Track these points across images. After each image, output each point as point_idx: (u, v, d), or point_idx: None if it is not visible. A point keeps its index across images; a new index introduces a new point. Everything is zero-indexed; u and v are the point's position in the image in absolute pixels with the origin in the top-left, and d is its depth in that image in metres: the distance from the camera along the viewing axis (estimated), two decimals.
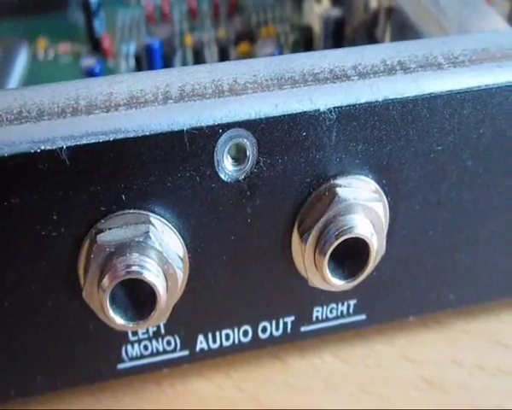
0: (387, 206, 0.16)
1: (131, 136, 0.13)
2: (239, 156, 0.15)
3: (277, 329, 0.18)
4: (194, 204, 0.15)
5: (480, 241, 0.18)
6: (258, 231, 0.16)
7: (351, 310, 0.19)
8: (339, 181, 0.15)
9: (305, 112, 0.14)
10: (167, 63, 0.28)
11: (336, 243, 0.15)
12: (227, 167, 0.15)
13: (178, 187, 0.14)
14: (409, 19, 0.22)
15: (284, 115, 0.14)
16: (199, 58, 0.28)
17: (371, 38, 0.25)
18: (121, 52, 0.31)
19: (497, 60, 0.15)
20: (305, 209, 0.16)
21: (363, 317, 0.19)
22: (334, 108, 0.14)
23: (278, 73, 0.15)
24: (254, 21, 0.33)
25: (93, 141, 0.13)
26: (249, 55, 0.30)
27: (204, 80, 0.15)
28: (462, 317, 0.21)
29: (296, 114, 0.14)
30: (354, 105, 0.14)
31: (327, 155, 0.15)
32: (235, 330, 0.18)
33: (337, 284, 0.16)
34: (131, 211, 0.14)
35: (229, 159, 0.15)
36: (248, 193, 0.15)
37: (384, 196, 0.16)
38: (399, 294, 0.19)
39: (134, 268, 0.14)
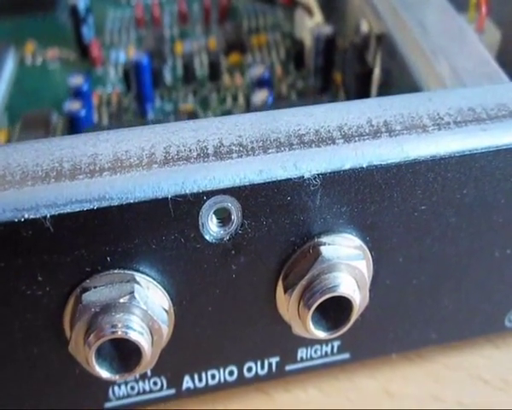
0: (371, 260, 0.17)
1: (115, 203, 0.13)
2: (224, 216, 0.15)
3: (262, 368, 0.19)
4: (179, 263, 0.15)
5: (462, 286, 0.19)
6: (243, 284, 0.16)
7: (335, 350, 0.19)
8: (323, 239, 0.16)
9: (289, 179, 0.14)
10: (156, 78, 0.27)
11: (320, 301, 0.15)
12: (212, 229, 0.15)
13: (163, 248, 0.15)
14: (398, 48, 0.22)
15: (268, 182, 0.14)
16: (189, 72, 0.28)
17: (362, 61, 0.25)
18: (110, 59, 0.30)
19: (482, 122, 0.15)
20: (289, 264, 0.16)
21: (346, 356, 0.19)
22: (318, 174, 0.14)
23: (264, 134, 0.15)
24: (245, 27, 0.33)
25: (77, 209, 0.13)
26: (240, 65, 0.30)
27: (189, 141, 0.15)
28: (443, 351, 0.21)
29: (280, 181, 0.14)
30: (338, 171, 0.14)
31: (311, 217, 0.15)
32: (221, 369, 0.18)
33: (320, 335, 0.16)
34: (116, 271, 0.15)
35: (214, 220, 0.15)
36: (233, 252, 0.15)
37: (368, 252, 0.16)
38: (382, 334, 0.19)
39: (119, 328, 0.14)
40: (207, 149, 0.14)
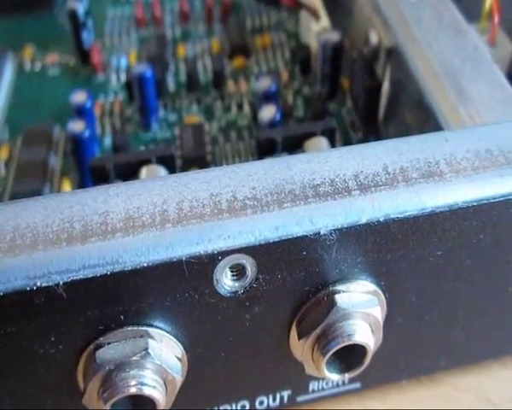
0: (385, 302, 0.16)
1: (129, 268, 0.13)
2: (238, 269, 0.15)
3: (274, 401, 0.19)
4: (193, 316, 0.15)
5: (474, 318, 0.19)
6: (257, 330, 0.16)
7: (346, 381, 0.19)
8: (337, 287, 0.15)
9: (305, 235, 0.14)
10: (159, 88, 0.27)
11: (335, 350, 0.15)
12: (226, 284, 0.14)
13: (177, 304, 0.14)
14: (408, 64, 0.22)
15: (284, 239, 0.14)
16: (192, 80, 0.27)
17: (371, 73, 0.24)
18: (111, 65, 0.30)
19: (500, 167, 0.15)
20: (303, 311, 0.16)
21: (357, 385, 0.19)
22: (334, 230, 0.14)
23: (278, 185, 0.14)
24: (249, 26, 0.32)
25: (90, 275, 0.13)
26: (244, 69, 0.29)
27: (202, 194, 0.14)
28: (453, 373, 0.21)
29: (296, 238, 0.14)
30: (355, 226, 0.14)
31: (326, 268, 0.15)
32: (233, 404, 0.18)
33: (334, 378, 0.16)
34: (130, 328, 0.14)
35: (229, 275, 0.14)
36: (247, 303, 0.15)
37: (382, 294, 0.16)
38: (393, 364, 0.19)
39: (134, 385, 0.14)
40: (221, 204, 0.14)
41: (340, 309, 0.15)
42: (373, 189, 0.15)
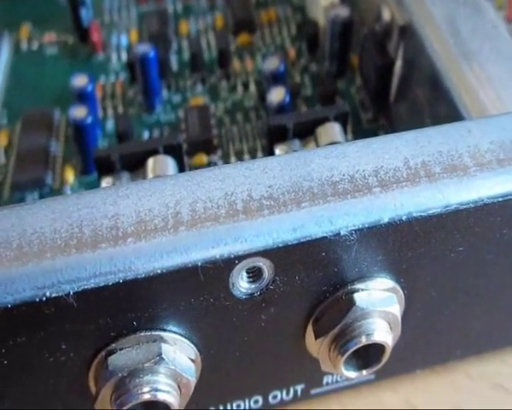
0: (403, 297, 0.16)
1: (142, 275, 0.13)
2: (254, 270, 0.14)
3: (288, 394, 0.18)
4: (208, 319, 0.14)
5: (492, 309, 0.18)
6: (272, 330, 0.15)
7: None
8: (356, 286, 0.15)
9: (324, 236, 0.13)
10: (163, 68, 0.26)
11: (353, 350, 0.15)
12: (242, 286, 0.14)
13: (191, 308, 0.14)
14: (423, 44, 0.21)
15: (303, 241, 0.13)
16: (196, 60, 0.26)
17: (383, 51, 0.23)
18: (111, 43, 0.29)
19: None
20: (321, 309, 0.15)
21: (372, 376, 0.19)
22: (355, 230, 0.13)
23: (295, 183, 0.14)
24: (253, 0, 0.31)
25: (102, 284, 0.12)
26: (249, 45, 0.28)
27: (216, 194, 0.14)
28: (466, 360, 0.21)
29: (315, 239, 0.13)
30: (376, 226, 0.14)
31: (345, 267, 0.14)
32: (247, 400, 0.18)
33: (351, 376, 0.16)
34: (143, 334, 0.14)
35: (245, 277, 0.14)
36: (263, 305, 0.14)
37: (401, 291, 0.16)
38: (409, 355, 0.19)
39: (148, 392, 0.14)
40: (236, 205, 0.13)
41: (359, 309, 0.15)
42: (394, 185, 0.14)
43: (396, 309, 0.15)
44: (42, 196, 0.23)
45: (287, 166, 0.14)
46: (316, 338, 0.15)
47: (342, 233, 0.13)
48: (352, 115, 0.26)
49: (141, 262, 0.13)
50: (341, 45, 0.26)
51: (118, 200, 0.13)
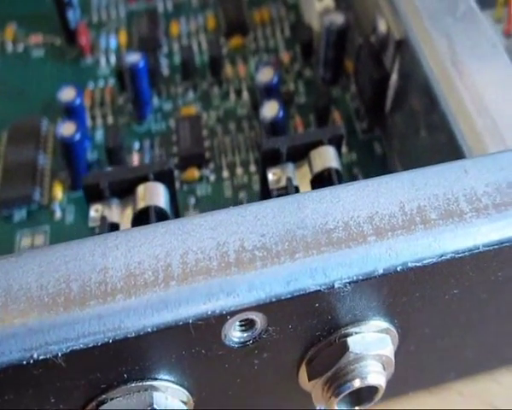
0: (397, 335, 0.16)
1: (132, 334, 0.12)
2: (247, 322, 0.14)
3: None
4: (199, 367, 0.14)
5: (484, 338, 0.18)
6: (265, 372, 0.15)
7: None
8: (349, 329, 0.15)
9: (318, 289, 0.13)
10: (153, 76, 0.25)
11: (347, 392, 0.15)
12: (234, 336, 0.14)
13: (183, 359, 0.14)
14: (420, 60, 0.20)
15: (296, 295, 0.13)
16: (187, 67, 0.26)
17: (379, 63, 0.23)
18: (100, 46, 0.28)
19: None
20: (314, 351, 0.15)
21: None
22: (349, 282, 0.13)
23: (289, 231, 0.14)
24: None
25: (91, 344, 0.12)
26: (241, 49, 0.28)
27: (208, 244, 0.13)
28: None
29: (309, 293, 0.13)
30: (371, 277, 0.13)
31: (338, 314, 0.14)
32: None
33: None
34: (133, 384, 0.14)
35: (237, 328, 0.14)
36: (256, 351, 0.14)
37: (394, 330, 0.15)
38: (402, 381, 0.19)
39: None
40: (228, 256, 0.13)
41: (352, 354, 0.15)
42: (389, 233, 0.14)
43: (390, 351, 0.15)
44: (30, 213, 0.22)
45: (280, 212, 0.14)
46: (309, 380, 0.15)
47: (336, 286, 0.13)
48: (346, 124, 0.25)
49: (130, 321, 0.12)
50: (336, 53, 0.25)
51: (107, 251, 0.13)
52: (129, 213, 0.18)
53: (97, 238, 0.13)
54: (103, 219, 0.18)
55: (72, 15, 0.27)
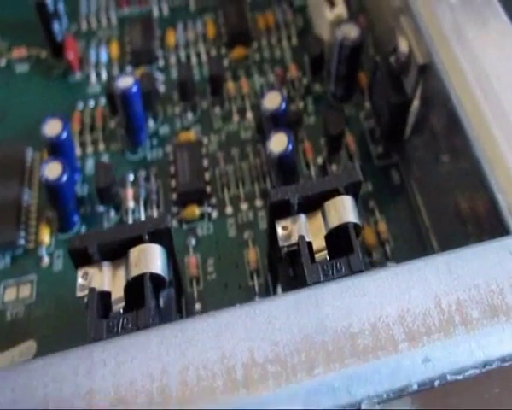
0: None
1: None
2: None
3: None
4: None
5: None
6: None
7: None
8: None
9: None
10: (147, 97, 0.23)
11: None
12: None
13: None
14: (446, 88, 0.18)
15: None
16: (186, 87, 0.23)
17: (399, 87, 0.20)
18: (90, 59, 0.25)
19: None
20: None
21: None
22: (378, 402, 0.11)
23: (306, 337, 0.12)
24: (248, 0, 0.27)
25: None
26: (245, 59, 0.25)
27: (211, 356, 0.11)
28: None
29: None
30: (403, 393, 0.11)
31: None
32: None
33: None
34: None
35: None
36: None
37: None
38: None
39: None
40: (236, 373, 0.11)
41: None
42: (424, 338, 0.12)
43: None
44: (14, 260, 0.20)
45: (295, 312, 0.12)
46: None
47: (363, 407, 0.11)
48: (360, 148, 0.23)
49: None
50: (349, 69, 0.23)
51: (92, 368, 0.11)
52: (121, 278, 0.16)
53: (82, 351, 0.11)
54: (92, 290, 0.16)
55: (59, 27, 0.25)
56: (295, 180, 0.21)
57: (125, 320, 0.15)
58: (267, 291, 0.20)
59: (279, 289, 0.20)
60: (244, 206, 0.22)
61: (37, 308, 0.19)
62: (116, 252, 0.16)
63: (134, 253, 0.16)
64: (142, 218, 0.21)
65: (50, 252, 0.20)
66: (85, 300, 0.16)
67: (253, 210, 0.21)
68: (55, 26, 0.25)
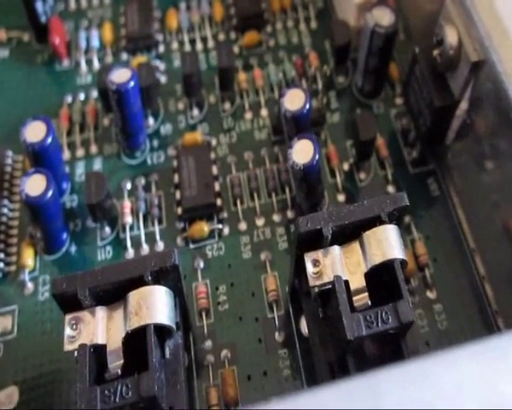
0: None
1: None
2: None
3: None
4: None
5: None
6: None
7: None
8: None
9: None
10: (146, 92, 0.19)
11: None
12: None
13: None
14: (504, 89, 0.15)
15: None
16: (191, 83, 0.20)
17: (443, 86, 0.17)
18: (79, 45, 0.22)
19: None
20: None
21: None
22: None
23: None
24: None
25: None
26: (258, 45, 0.22)
27: None
28: None
29: None
30: None
31: None
32: None
33: None
34: None
35: None
36: None
37: None
38: None
39: None
40: None
41: None
42: None
43: None
44: None
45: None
46: None
47: None
48: (391, 151, 0.20)
49: None
50: (381, 61, 0.20)
51: None
52: (119, 327, 0.13)
53: None
54: (82, 347, 0.13)
55: (43, 6, 0.21)
56: (320, 192, 0.18)
57: (124, 388, 0.12)
58: (289, 324, 0.17)
59: (302, 323, 0.17)
60: (260, 221, 0.19)
61: (19, 345, 0.17)
62: (112, 295, 0.13)
63: (134, 297, 0.13)
64: (142, 236, 0.18)
65: (34, 277, 0.17)
66: (75, 359, 0.13)
67: (271, 226, 0.18)
68: (39, 5, 0.21)
